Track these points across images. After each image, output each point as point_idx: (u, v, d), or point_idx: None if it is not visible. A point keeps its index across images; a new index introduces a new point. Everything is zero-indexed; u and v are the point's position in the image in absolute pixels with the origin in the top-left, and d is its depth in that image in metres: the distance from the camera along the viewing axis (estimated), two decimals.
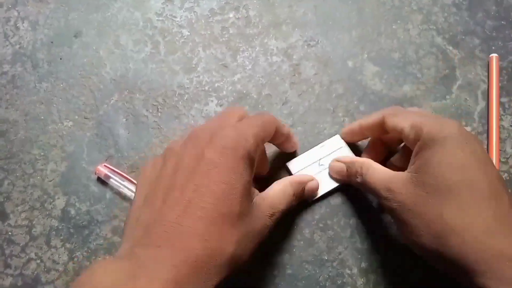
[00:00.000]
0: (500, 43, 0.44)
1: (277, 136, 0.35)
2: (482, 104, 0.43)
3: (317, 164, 0.39)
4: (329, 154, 0.40)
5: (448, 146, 0.28)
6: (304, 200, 0.38)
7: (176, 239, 0.25)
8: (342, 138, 0.40)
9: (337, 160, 0.38)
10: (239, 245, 0.27)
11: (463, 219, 0.26)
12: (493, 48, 0.44)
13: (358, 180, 0.35)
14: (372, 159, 0.36)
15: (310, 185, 0.38)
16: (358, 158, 0.37)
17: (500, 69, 0.43)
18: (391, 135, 0.37)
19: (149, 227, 0.26)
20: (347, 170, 0.37)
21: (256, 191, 0.32)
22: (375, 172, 0.33)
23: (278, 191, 0.34)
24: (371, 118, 0.36)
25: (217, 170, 0.28)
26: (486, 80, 0.43)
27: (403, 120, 0.33)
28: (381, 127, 0.35)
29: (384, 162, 0.38)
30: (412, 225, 0.29)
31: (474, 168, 0.28)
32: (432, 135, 0.29)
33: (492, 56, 0.43)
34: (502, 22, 0.45)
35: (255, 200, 0.31)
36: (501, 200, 0.27)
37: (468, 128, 0.42)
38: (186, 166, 0.28)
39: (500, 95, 0.43)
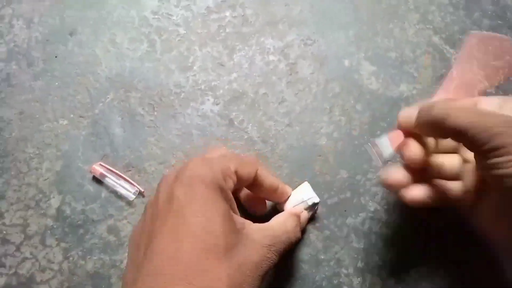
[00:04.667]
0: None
1: (259, 184, 0.33)
2: None
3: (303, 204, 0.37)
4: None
5: None
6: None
7: None
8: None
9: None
10: (232, 280, 0.26)
11: None
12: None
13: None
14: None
15: (302, 217, 0.36)
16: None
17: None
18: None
19: (134, 285, 0.25)
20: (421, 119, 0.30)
21: (248, 221, 0.30)
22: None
23: (279, 222, 0.32)
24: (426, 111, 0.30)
25: (188, 206, 0.26)
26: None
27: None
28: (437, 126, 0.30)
29: None
30: None
31: None
32: None
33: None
34: (499, 22, 0.45)
35: (247, 230, 0.29)
36: None
37: None
38: (161, 212, 0.27)
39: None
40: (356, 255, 0.39)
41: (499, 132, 0.26)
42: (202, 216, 0.26)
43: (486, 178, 0.29)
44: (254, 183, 0.33)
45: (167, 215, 0.27)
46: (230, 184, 0.29)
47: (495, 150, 0.26)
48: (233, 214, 0.29)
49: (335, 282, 0.38)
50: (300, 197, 0.37)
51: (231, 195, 0.29)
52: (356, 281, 0.38)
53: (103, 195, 0.41)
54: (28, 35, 0.45)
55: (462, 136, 0.27)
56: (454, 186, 0.33)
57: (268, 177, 0.33)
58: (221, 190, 0.28)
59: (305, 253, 0.39)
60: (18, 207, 0.41)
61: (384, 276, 0.38)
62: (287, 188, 0.36)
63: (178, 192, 0.27)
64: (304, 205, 0.36)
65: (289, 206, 0.36)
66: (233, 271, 0.26)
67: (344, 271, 0.38)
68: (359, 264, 0.38)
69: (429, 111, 0.29)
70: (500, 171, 0.26)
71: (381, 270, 0.38)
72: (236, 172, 0.30)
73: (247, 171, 0.31)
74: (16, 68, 0.44)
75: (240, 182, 0.31)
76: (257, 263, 0.28)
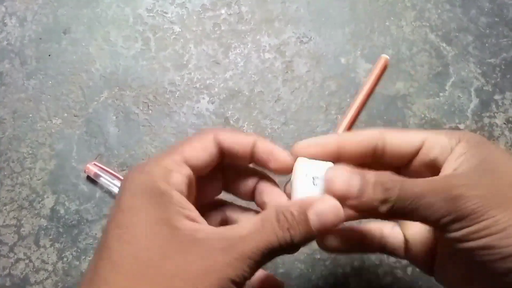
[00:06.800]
0: (493, 40, 0.44)
1: (235, 149, 0.26)
2: (475, 101, 0.42)
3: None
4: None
5: (497, 146, 0.26)
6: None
7: None
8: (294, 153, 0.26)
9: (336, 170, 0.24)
10: None
11: None
12: (486, 45, 0.44)
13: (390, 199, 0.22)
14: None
15: (320, 208, 0.23)
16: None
17: (493, 67, 0.43)
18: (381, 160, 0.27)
19: None
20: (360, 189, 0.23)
21: (205, 226, 0.23)
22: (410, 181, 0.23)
23: (254, 225, 0.23)
24: (360, 137, 0.26)
25: (112, 222, 0.23)
26: (480, 78, 0.43)
27: (416, 134, 0.26)
28: (370, 149, 0.26)
29: None
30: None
31: None
32: (474, 139, 0.24)
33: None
34: (496, 19, 0.45)
35: (206, 236, 0.22)
36: None
37: (461, 126, 0.42)
38: (104, 230, 0.24)
39: (492, 93, 0.43)
40: (352, 254, 0.38)
41: (459, 195, 0.21)
42: (123, 227, 0.23)
43: (448, 250, 0.25)
44: (229, 153, 0.26)
45: (103, 235, 0.24)
46: (178, 179, 0.24)
47: (458, 221, 0.22)
48: (179, 219, 0.23)
49: (331, 281, 0.38)
50: (308, 177, 0.25)
51: (177, 195, 0.24)
52: (353, 280, 0.38)
53: (97, 195, 0.40)
54: (22, 33, 0.45)
55: (411, 213, 0.22)
56: (391, 237, 0.29)
57: (245, 137, 0.26)
58: (160, 194, 0.23)
59: (301, 252, 0.38)
60: (11, 207, 0.40)
61: (381, 275, 0.38)
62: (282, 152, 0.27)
63: (111, 207, 0.25)
64: (320, 185, 0.25)
65: (298, 195, 0.25)
66: (172, 282, 0.22)
67: (340, 270, 0.38)
68: (356, 264, 0.38)
69: (359, 194, 0.23)
70: (469, 244, 0.22)
71: (377, 269, 0.38)
72: (187, 161, 0.25)
73: (201, 154, 0.25)
74: (9, 67, 0.44)
75: (203, 165, 0.26)
76: (206, 270, 0.22)
